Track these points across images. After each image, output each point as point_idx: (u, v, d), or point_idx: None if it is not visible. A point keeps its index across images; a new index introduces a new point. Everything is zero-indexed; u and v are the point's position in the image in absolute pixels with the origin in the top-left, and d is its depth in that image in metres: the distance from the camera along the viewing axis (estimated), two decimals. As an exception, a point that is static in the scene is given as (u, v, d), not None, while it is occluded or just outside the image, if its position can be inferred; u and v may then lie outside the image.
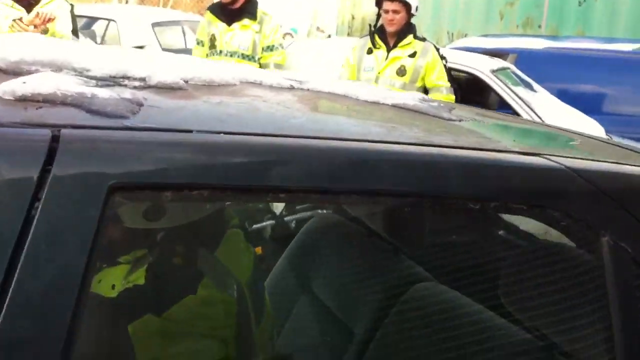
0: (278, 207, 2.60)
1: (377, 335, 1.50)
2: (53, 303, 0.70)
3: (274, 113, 1.10)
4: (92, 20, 7.66)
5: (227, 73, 1.25)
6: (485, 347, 1.30)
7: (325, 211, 2.29)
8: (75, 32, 3.96)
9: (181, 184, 0.83)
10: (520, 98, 4.16)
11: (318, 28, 14.39)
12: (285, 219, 2.42)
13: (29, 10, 3.67)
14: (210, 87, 1.18)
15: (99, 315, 1.02)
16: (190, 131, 0.88)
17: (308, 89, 1.35)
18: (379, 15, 4.00)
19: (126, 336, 1.09)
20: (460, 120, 1.26)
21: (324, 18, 14.50)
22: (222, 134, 0.89)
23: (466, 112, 1.45)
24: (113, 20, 7.44)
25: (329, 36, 12.97)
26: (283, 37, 5.01)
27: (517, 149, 1.07)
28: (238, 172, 0.86)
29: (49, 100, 0.90)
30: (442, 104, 1.43)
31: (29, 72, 1.00)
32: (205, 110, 1.04)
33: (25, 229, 0.73)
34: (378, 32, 3.91)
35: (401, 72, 3.82)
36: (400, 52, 3.84)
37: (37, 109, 0.88)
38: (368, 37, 3.96)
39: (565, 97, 4.89)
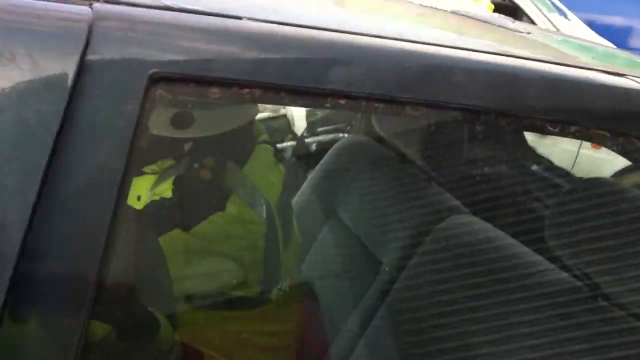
0: (300, 127, 2.48)
1: (408, 266, 1.42)
2: (89, 211, 0.60)
3: (327, 7, 0.96)
4: None
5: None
6: (521, 284, 1.23)
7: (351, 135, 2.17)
8: None
9: (231, 80, 0.70)
10: (553, 25, 3.97)
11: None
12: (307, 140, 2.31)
13: None
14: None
15: (128, 227, 0.93)
16: (240, 18, 0.75)
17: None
18: None
19: (155, 250, 1.01)
20: (528, 33, 1.12)
21: None
22: (276, 25, 0.76)
23: (528, 25, 1.31)
24: None
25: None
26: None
27: (599, 67, 0.94)
28: (296, 71, 0.73)
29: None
30: (501, 15, 1.29)
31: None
32: (251, -2, 0.90)
33: (62, 125, 0.62)
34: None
35: None
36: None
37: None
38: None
39: (599, 29, 4.67)
